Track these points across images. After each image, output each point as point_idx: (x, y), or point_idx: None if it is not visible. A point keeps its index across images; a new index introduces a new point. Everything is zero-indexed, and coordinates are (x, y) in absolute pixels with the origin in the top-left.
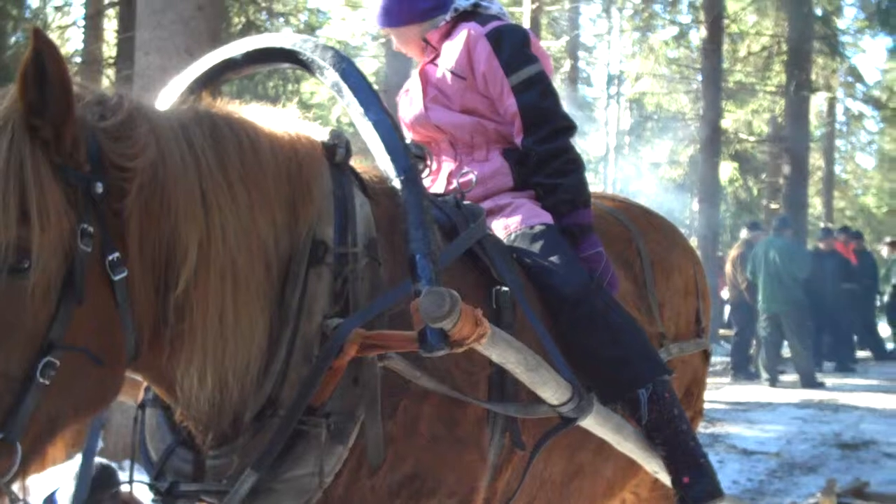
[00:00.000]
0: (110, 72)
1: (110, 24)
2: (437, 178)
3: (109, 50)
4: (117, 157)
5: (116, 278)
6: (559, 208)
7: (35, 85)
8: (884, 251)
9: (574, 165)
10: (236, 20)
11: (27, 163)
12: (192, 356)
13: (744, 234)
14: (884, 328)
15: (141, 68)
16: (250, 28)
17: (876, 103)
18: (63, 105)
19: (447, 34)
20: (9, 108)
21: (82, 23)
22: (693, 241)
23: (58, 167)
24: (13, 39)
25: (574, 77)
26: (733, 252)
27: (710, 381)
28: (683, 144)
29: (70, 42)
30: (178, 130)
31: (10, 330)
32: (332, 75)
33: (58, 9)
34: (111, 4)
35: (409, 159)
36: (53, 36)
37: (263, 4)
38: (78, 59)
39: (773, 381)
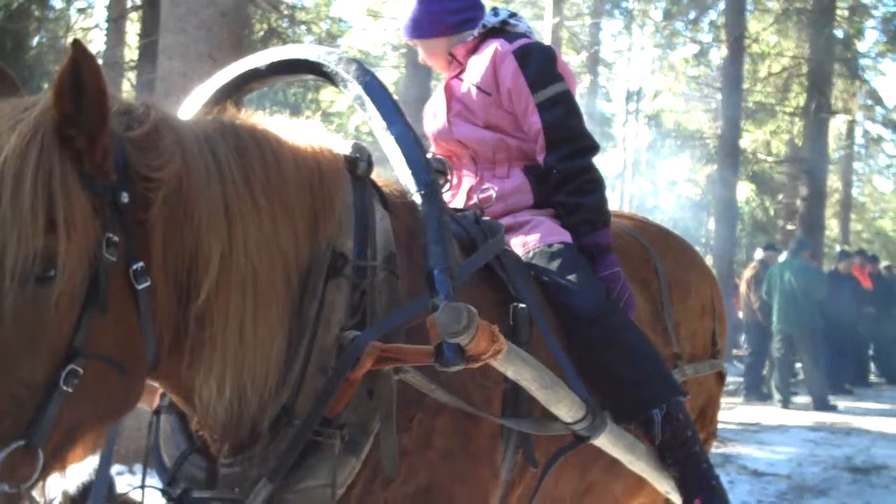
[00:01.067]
0: (132, 75)
1: (133, 28)
2: (458, 193)
3: (132, 53)
4: (143, 167)
5: (140, 287)
6: (579, 227)
7: (72, 96)
8: None
9: (595, 185)
10: (258, 27)
11: (56, 172)
12: (212, 366)
13: (759, 254)
14: None
15: (163, 73)
16: (272, 35)
17: (895, 127)
18: (99, 117)
19: (474, 50)
20: (40, 117)
21: (105, 25)
22: (708, 260)
23: (86, 177)
24: (36, 40)
25: (593, 92)
26: (748, 272)
27: (722, 400)
28: (701, 163)
29: (92, 44)
30: (203, 142)
31: (34, 337)
32: (355, 88)
33: (81, 11)
34: (134, 8)
35: (430, 174)
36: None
37: (286, 12)
38: (100, 62)
39: (786, 403)
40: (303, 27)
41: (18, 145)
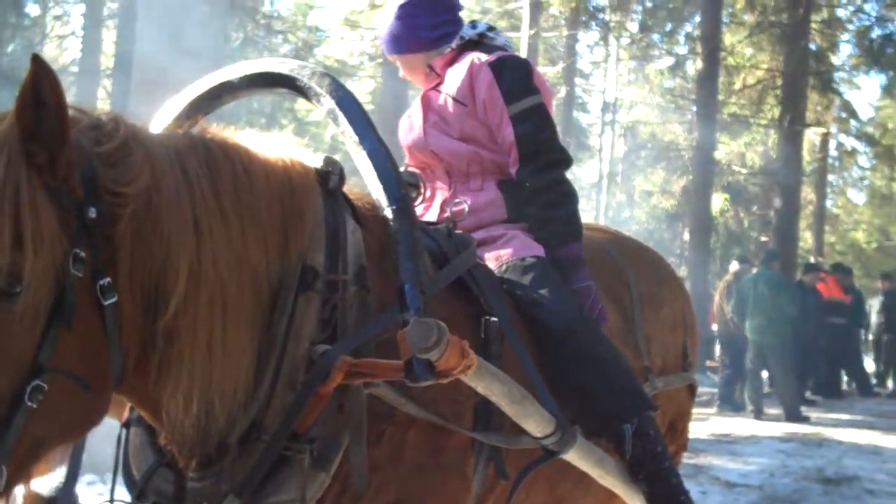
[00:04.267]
0: (107, 83)
1: (109, 36)
2: (431, 206)
3: (108, 61)
4: (111, 182)
5: (107, 303)
6: (551, 241)
7: (31, 110)
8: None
9: (567, 198)
10: (235, 36)
11: (23, 187)
12: (179, 381)
13: (733, 266)
14: (869, 364)
15: (138, 82)
16: (249, 45)
17: (869, 140)
18: (58, 131)
19: (452, 61)
20: (5, 131)
21: (81, 33)
22: (683, 271)
23: (52, 192)
24: (11, 48)
25: (570, 103)
26: (722, 284)
27: (695, 411)
28: (676, 174)
29: (68, 52)
30: (174, 157)
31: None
32: (328, 102)
33: (57, 18)
34: (110, 16)
35: (402, 189)
36: (52, 45)
37: (262, 22)
38: (75, 69)
39: (758, 414)
40: (279, 37)
41: None
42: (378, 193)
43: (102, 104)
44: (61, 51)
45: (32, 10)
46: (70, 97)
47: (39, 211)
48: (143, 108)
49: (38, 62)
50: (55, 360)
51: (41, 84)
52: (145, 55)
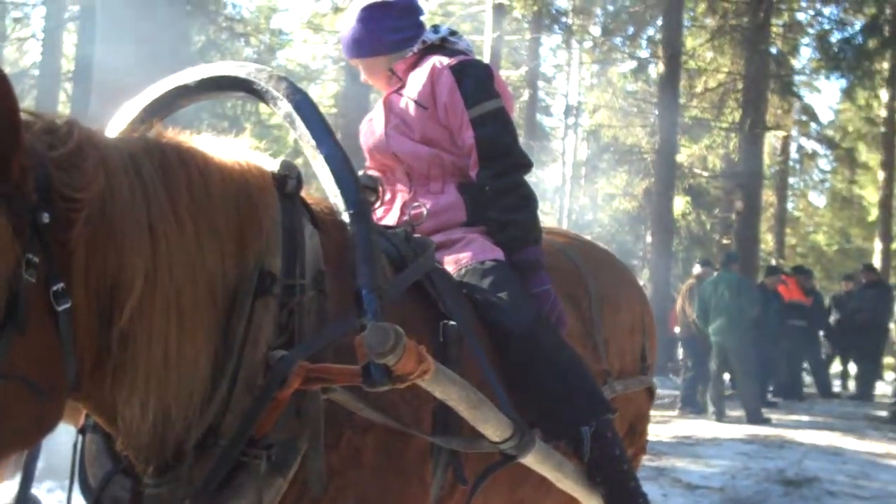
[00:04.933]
0: (68, 86)
1: (70, 38)
2: (392, 209)
3: (68, 64)
4: (65, 187)
5: (60, 309)
6: (510, 244)
7: None
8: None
9: (526, 202)
10: (197, 39)
11: None
12: (135, 387)
13: (696, 269)
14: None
15: (99, 85)
16: (211, 48)
17: (829, 143)
18: (10, 135)
19: (414, 65)
20: None
21: (41, 36)
22: (645, 274)
23: (4, 196)
24: None
25: (533, 106)
26: (684, 287)
27: (657, 413)
28: (639, 177)
29: (28, 55)
30: (128, 161)
31: None
32: (285, 106)
33: (17, 20)
34: (71, 19)
35: (360, 193)
36: (12, 48)
37: (224, 25)
38: (36, 72)
39: (720, 416)
40: (242, 40)
41: None
42: (335, 198)
43: (63, 107)
44: (21, 53)
45: None
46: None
47: None
48: (103, 112)
49: None
50: (8, 365)
51: None
52: (106, 58)
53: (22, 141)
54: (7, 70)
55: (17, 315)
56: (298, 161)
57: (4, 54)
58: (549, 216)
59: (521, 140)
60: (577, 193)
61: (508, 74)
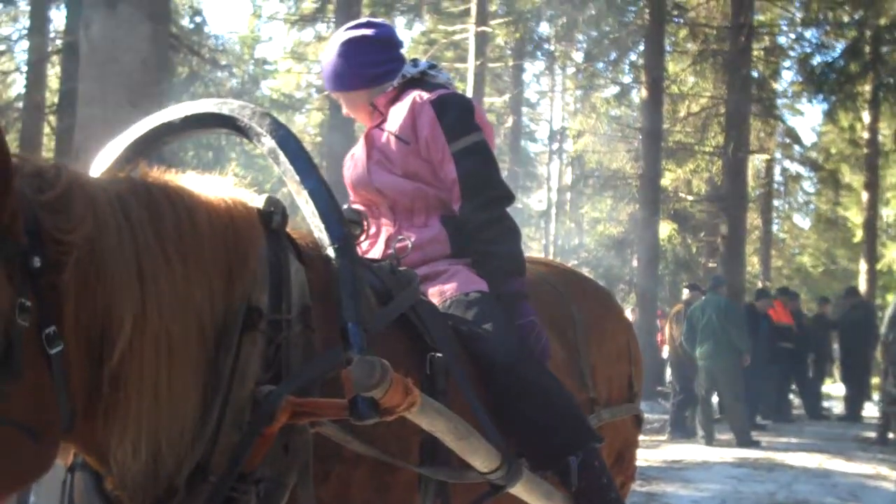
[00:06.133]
0: (52, 118)
1: (54, 71)
2: (377, 242)
3: (52, 97)
4: (55, 230)
5: (53, 352)
6: (494, 276)
7: None
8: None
9: (509, 234)
10: (181, 70)
11: None
12: (127, 427)
13: (685, 293)
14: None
15: (83, 119)
16: (195, 80)
17: (812, 165)
18: (1, 180)
19: (394, 99)
20: None
21: (25, 69)
22: (632, 299)
23: None
24: None
25: (517, 132)
26: (673, 311)
27: (646, 438)
28: (624, 202)
29: (13, 87)
30: (116, 202)
31: None
32: (269, 142)
33: (0, 54)
34: (55, 52)
35: (344, 228)
36: None
37: (208, 56)
38: (20, 105)
39: (710, 440)
40: (225, 71)
41: None
42: (320, 232)
43: (47, 140)
44: (5, 86)
45: None
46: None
47: None
48: (87, 145)
49: None
50: (2, 410)
51: None
52: (89, 91)
53: (12, 186)
54: None
55: (13, 360)
56: (283, 191)
57: None
58: (535, 241)
59: (506, 166)
60: (562, 218)
61: (492, 101)
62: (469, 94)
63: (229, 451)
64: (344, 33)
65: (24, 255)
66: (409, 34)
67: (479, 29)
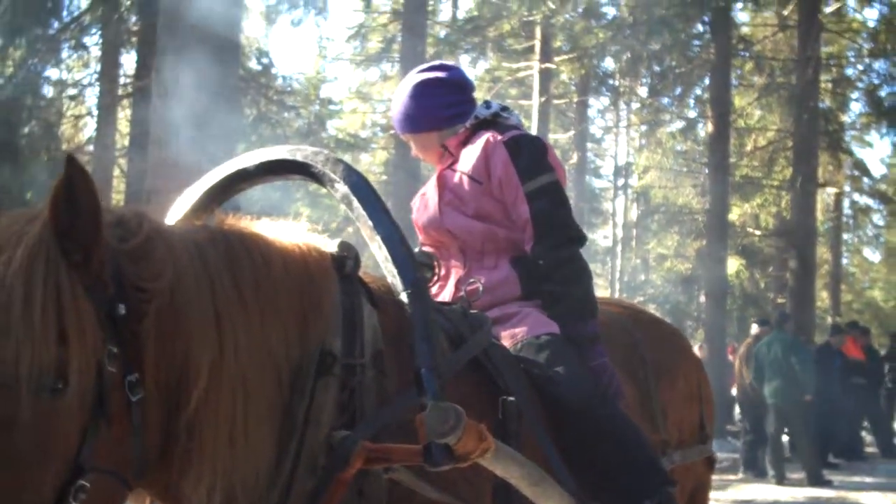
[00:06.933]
0: (122, 161)
1: (124, 114)
2: (446, 285)
3: (123, 140)
4: (137, 278)
5: (135, 399)
6: (566, 318)
7: (66, 211)
8: None
9: (581, 275)
10: (248, 112)
11: (64, 284)
12: (202, 473)
13: (754, 329)
14: None
15: (154, 162)
16: (262, 120)
17: (882, 197)
18: (92, 231)
19: (466, 141)
20: (41, 231)
21: (96, 112)
22: (700, 335)
23: (88, 289)
24: (27, 129)
25: (582, 168)
26: (742, 348)
27: (717, 477)
28: (690, 237)
29: (84, 130)
30: (194, 251)
31: (45, 451)
32: (342, 188)
33: (72, 98)
34: (125, 96)
35: (416, 272)
36: (68, 125)
37: (275, 97)
38: (91, 148)
39: (780, 479)
40: (292, 111)
41: (25, 257)
42: (393, 278)
43: (118, 182)
44: (77, 130)
45: (48, 90)
46: None
47: (80, 308)
48: (159, 187)
49: (72, 164)
50: (95, 457)
51: (76, 186)
52: (160, 134)
53: (102, 236)
54: (64, 147)
55: (105, 407)
56: (349, 230)
57: (61, 132)
58: (601, 278)
59: (572, 202)
60: (628, 255)
61: (557, 137)
62: (534, 131)
63: (304, 496)
64: (416, 76)
65: (111, 303)
66: (474, 72)
67: (544, 66)
